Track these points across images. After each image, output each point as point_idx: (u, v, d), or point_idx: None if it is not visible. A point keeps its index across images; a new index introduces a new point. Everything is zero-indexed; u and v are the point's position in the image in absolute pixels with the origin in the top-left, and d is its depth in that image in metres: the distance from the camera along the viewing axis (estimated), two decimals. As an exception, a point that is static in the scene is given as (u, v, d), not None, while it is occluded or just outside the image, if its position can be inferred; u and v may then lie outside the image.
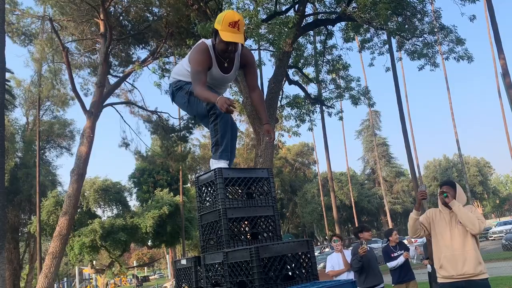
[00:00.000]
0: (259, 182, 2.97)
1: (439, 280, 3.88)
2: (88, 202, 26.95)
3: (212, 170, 2.88)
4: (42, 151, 27.59)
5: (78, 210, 23.95)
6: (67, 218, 14.91)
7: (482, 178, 63.83)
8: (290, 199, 53.86)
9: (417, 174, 27.55)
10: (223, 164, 2.97)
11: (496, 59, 25.09)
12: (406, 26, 13.11)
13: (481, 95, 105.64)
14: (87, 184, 26.18)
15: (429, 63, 13.98)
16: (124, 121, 22.27)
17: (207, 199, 3.00)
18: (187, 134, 21.51)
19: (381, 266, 7.91)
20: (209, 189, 2.94)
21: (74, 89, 17.11)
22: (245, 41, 3.02)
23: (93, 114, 16.92)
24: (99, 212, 28.72)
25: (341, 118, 17.28)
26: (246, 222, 2.90)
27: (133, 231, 26.41)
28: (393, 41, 16.25)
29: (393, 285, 6.69)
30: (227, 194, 2.83)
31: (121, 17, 19.74)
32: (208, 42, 3.03)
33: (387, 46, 16.13)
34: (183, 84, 3.19)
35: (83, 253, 25.32)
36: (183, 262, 3.15)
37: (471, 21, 12.21)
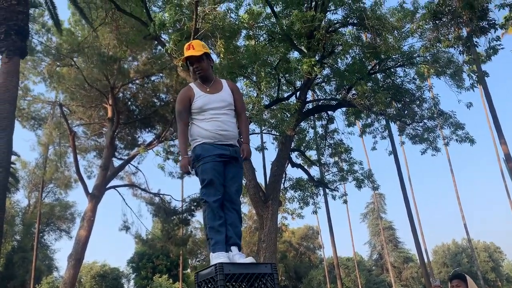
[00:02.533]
0: (262, 279, 2.80)
1: None
2: (84, 289, 25.83)
3: (213, 265, 2.72)
4: (41, 234, 27.06)
5: (73, 298, 22.83)
6: (60, 308, 14.15)
7: (493, 264, 61.35)
8: (296, 287, 51.42)
9: (426, 260, 26.51)
10: (222, 258, 2.83)
11: (497, 142, 25.38)
12: (406, 112, 13.44)
13: (485, 178, 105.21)
14: (84, 269, 25.34)
15: (431, 148, 14.08)
16: (126, 203, 22.18)
17: (207, 297, 2.79)
18: (189, 217, 21.21)
19: None
20: (209, 285, 2.76)
21: (78, 172, 17.22)
22: (207, 56, 3.40)
23: (96, 196, 16.85)
24: (94, 300, 27.42)
25: (345, 202, 17.06)
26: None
27: (129, 322, 24.96)
28: (394, 125, 16.56)
29: None
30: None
31: (129, 102, 20.49)
32: (193, 83, 3.48)
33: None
34: (192, 160, 3.30)
35: None
36: None
37: (467, 108, 12.49)
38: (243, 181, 13.58)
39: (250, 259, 2.88)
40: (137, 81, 19.65)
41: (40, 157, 20.56)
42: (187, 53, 3.35)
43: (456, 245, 62.64)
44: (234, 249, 3.02)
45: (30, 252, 23.63)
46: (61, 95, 19.30)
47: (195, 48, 3.35)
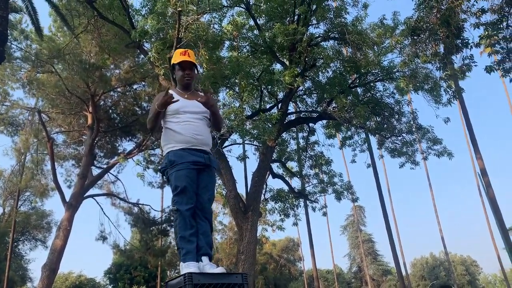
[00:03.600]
0: (233, 289, 2.77)
1: None
2: (58, 300, 25.18)
3: (182, 275, 2.70)
4: (15, 244, 26.35)
5: (46, 309, 22.20)
6: (32, 319, 13.75)
7: (470, 277, 62.11)
8: (275, 299, 51.01)
9: (404, 273, 26.75)
10: (192, 268, 2.81)
11: (474, 156, 25.91)
12: (385, 125, 13.64)
13: (463, 192, 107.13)
14: (59, 279, 24.74)
15: (410, 161, 14.29)
16: (104, 213, 21.75)
17: (176, 307, 2.76)
18: (168, 228, 20.96)
19: None
20: (179, 296, 2.72)
21: (55, 180, 16.89)
22: (197, 69, 3.55)
23: (73, 205, 16.54)
24: (69, 311, 26.73)
25: (325, 214, 17.12)
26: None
27: (104, 334, 24.38)
28: (374, 139, 16.77)
29: None
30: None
31: (110, 110, 20.27)
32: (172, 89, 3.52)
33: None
34: (164, 166, 3.30)
35: None
36: None
37: (445, 123, 12.76)
38: (223, 192, 13.56)
39: (220, 269, 2.86)
40: (118, 89, 19.47)
41: (16, 164, 20.12)
42: (184, 58, 3.41)
43: (434, 258, 63.29)
44: (204, 259, 3.00)
45: (4, 262, 22.96)
46: (41, 101, 19.00)
47: (190, 56, 3.46)
